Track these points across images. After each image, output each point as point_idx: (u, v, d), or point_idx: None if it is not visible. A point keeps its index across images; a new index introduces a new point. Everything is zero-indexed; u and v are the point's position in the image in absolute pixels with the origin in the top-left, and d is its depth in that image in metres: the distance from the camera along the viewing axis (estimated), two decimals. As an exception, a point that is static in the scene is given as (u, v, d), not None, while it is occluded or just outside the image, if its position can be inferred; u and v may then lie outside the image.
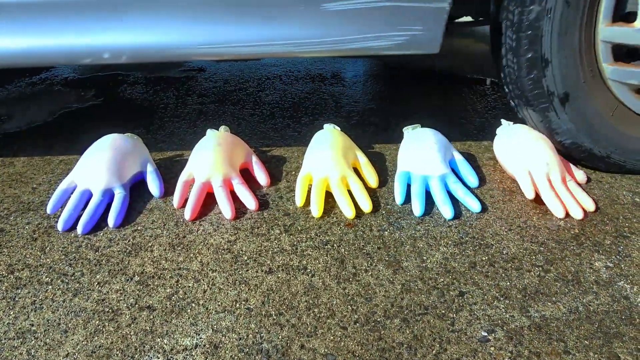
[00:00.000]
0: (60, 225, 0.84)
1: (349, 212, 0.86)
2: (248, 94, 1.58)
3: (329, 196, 0.93)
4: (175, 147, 1.19)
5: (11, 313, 0.67)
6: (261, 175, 1.00)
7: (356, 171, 1.02)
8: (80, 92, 1.66)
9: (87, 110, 1.48)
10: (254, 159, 1.03)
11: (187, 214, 0.87)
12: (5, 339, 0.63)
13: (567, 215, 0.87)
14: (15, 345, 0.62)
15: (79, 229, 0.84)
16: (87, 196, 0.90)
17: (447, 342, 0.62)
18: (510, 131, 1.04)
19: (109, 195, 0.90)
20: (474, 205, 0.88)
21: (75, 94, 1.64)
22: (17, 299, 0.70)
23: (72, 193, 0.91)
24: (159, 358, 0.60)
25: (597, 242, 0.81)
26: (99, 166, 0.92)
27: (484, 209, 0.90)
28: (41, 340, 0.63)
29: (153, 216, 0.89)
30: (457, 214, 0.89)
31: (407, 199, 0.93)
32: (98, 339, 0.63)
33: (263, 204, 0.93)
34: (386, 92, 1.60)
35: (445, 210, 0.87)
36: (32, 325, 0.65)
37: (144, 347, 0.61)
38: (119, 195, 0.90)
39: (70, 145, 1.21)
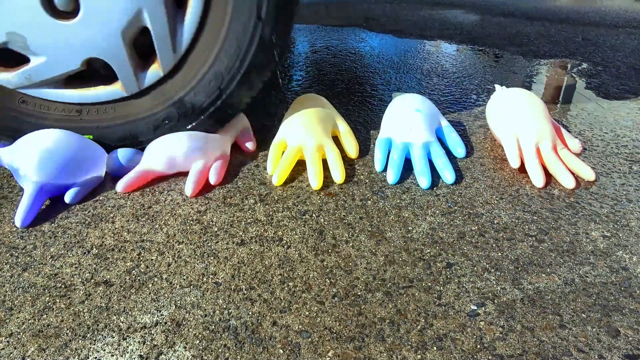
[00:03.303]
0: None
1: (314, 183, 0.80)
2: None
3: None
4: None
5: (-49, 290, 0.61)
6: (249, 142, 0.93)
7: (336, 140, 0.96)
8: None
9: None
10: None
11: (120, 187, 0.80)
12: (-59, 318, 0.56)
13: (547, 184, 0.82)
14: (-47, 324, 0.55)
15: (17, 222, 0.71)
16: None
17: (433, 317, 0.56)
18: (504, 96, 0.98)
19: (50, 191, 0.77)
20: (448, 176, 0.83)
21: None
22: (-41, 274, 0.63)
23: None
24: (113, 337, 0.54)
25: (594, 211, 0.76)
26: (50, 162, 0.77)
27: (474, 177, 0.85)
28: (-18, 319, 0.56)
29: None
30: (436, 184, 0.83)
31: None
32: (47, 317, 0.56)
33: (237, 173, 0.86)
34: (375, 60, 1.52)
35: (422, 180, 0.81)
36: (-26, 302, 0.58)
37: (98, 325, 0.55)
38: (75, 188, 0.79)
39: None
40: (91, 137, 0.85)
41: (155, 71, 0.81)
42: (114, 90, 0.82)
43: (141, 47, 0.81)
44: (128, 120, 0.85)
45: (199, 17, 0.77)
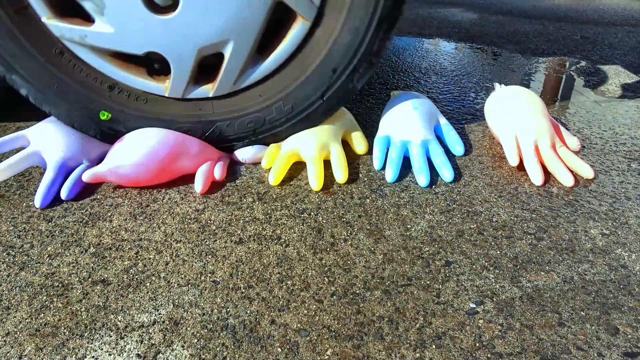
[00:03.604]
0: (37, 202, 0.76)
1: (313, 184, 0.79)
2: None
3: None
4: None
5: (-52, 289, 0.60)
6: None
7: (344, 141, 0.95)
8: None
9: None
10: None
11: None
12: (-62, 317, 0.56)
13: (546, 182, 0.82)
14: (-51, 324, 0.55)
15: (36, 202, 0.75)
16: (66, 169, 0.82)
17: (432, 315, 0.56)
18: (502, 94, 0.98)
19: (65, 169, 0.81)
20: (446, 174, 0.82)
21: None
22: (-45, 273, 0.63)
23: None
24: (111, 336, 0.53)
25: (592, 208, 0.76)
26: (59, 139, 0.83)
27: (473, 175, 0.85)
28: (-21, 319, 0.56)
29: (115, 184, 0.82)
30: (434, 182, 0.83)
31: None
32: (44, 316, 0.56)
33: (235, 171, 0.86)
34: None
35: (421, 178, 0.81)
36: (-29, 302, 0.58)
37: (95, 324, 0.55)
38: (81, 166, 0.82)
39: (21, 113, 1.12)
40: (110, 116, 0.83)
41: (205, 89, 0.81)
42: (157, 86, 0.81)
43: (205, 64, 0.81)
44: (151, 117, 0.84)
45: (272, 70, 0.80)
